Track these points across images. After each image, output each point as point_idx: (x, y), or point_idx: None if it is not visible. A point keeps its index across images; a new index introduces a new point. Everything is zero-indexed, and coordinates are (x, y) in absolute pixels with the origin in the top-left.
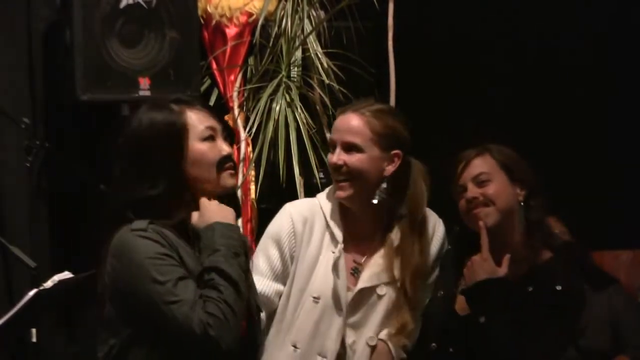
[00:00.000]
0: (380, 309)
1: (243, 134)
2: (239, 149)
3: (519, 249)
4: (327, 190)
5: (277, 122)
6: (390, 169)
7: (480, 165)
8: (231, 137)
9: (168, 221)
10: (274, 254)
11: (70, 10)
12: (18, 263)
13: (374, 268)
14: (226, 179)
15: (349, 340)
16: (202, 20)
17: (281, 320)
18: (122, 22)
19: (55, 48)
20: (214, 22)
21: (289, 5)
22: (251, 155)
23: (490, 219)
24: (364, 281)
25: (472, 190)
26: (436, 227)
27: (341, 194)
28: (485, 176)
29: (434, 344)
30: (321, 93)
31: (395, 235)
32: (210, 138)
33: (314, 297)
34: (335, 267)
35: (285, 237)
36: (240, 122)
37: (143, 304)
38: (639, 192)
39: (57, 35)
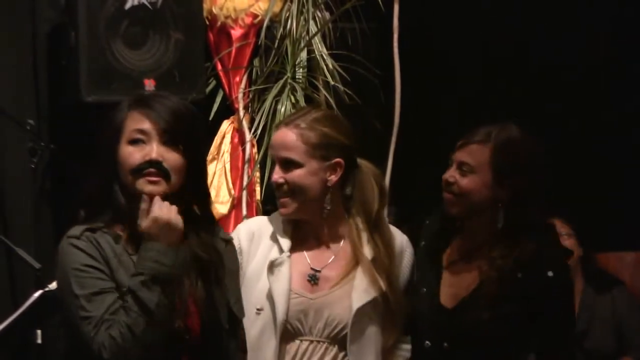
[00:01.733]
0: (375, 329)
1: (248, 135)
2: (244, 151)
3: (493, 248)
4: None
5: None
6: (333, 178)
7: (471, 154)
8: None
9: (110, 225)
10: None
11: (74, 12)
12: (22, 264)
13: (361, 284)
14: (141, 185)
15: None
16: (207, 22)
17: None
18: (127, 24)
19: (59, 49)
20: (219, 23)
21: (294, 7)
22: (256, 157)
23: (453, 209)
24: (358, 300)
25: (452, 173)
26: (405, 246)
27: (283, 211)
28: (469, 168)
29: (427, 342)
30: (326, 94)
31: (365, 247)
32: (138, 141)
33: (257, 309)
34: (271, 270)
35: None
36: (245, 124)
37: (67, 314)
38: None
39: (61, 36)
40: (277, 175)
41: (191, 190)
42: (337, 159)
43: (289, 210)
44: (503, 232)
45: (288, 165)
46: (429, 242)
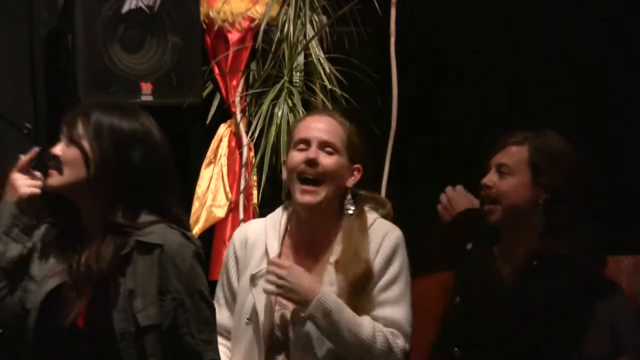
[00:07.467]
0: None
1: (245, 139)
2: (241, 154)
3: (535, 250)
4: (278, 209)
5: (279, 127)
6: (352, 181)
7: (510, 155)
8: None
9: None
10: (225, 282)
11: (72, 15)
12: None
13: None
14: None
15: None
16: (204, 26)
17: (232, 346)
18: (124, 27)
19: (57, 53)
20: (216, 27)
21: (291, 11)
22: (253, 160)
23: (494, 216)
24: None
25: (491, 177)
26: (386, 237)
27: (310, 199)
28: (507, 169)
29: (456, 349)
30: (323, 98)
31: (336, 247)
32: None
33: (247, 319)
34: (253, 281)
35: (231, 263)
36: (242, 127)
37: None
38: None
39: (59, 39)
40: (314, 153)
41: (98, 192)
42: (358, 165)
43: (316, 199)
44: (543, 238)
45: (326, 148)
46: (467, 267)
